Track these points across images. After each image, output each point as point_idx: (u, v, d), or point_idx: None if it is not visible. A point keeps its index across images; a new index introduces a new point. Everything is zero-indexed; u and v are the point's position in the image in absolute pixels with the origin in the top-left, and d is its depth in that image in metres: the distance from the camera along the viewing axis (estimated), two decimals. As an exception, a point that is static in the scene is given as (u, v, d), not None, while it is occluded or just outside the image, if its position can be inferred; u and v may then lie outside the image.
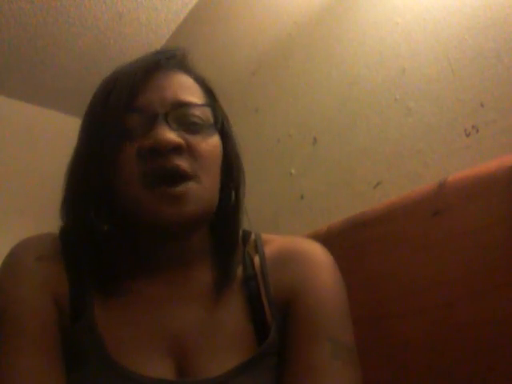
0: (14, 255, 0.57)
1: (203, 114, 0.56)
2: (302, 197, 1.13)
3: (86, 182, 0.55)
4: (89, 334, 0.52)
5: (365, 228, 0.81)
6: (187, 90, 0.57)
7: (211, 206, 0.56)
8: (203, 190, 0.53)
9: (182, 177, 0.52)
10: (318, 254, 0.61)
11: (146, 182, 0.52)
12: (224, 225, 0.60)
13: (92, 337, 0.51)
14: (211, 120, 0.57)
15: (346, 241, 0.83)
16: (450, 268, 0.68)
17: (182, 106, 0.55)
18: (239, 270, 0.60)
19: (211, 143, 0.56)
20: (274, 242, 0.63)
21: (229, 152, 0.60)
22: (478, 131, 0.79)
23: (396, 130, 0.93)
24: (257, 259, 0.61)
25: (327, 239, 0.85)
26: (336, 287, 0.58)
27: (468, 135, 0.80)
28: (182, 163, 0.52)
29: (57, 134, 1.88)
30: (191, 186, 0.52)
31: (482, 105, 0.79)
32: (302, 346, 0.53)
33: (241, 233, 0.64)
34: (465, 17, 0.84)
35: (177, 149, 0.52)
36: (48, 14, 1.49)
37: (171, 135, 0.52)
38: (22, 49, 1.61)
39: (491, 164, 0.68)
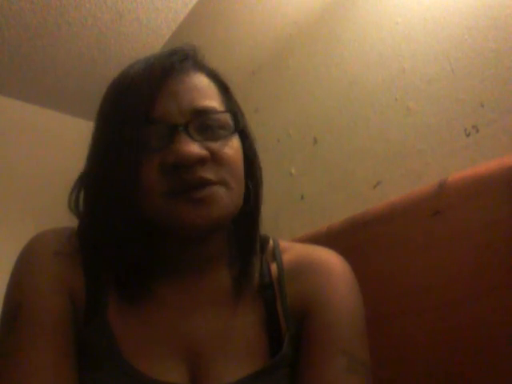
0: (30, 248, 0.56)
1: (223, 117, 0.55)
2: (302, 197, 1.13)
3: (105, 190, 0.53)
4: (102, 333, 0.51)
5: (365, 228, 0.81)
6: (204, 93, 0.55)
7: (237, 208, 0.55)
8: (230, 193, 0.52)
9: (207, 184, 0.51)
10: (337, 265, 0.60)
11: (170, 194, 0.51)
12: (243, 226, 0.59)
13: (105, 337, 0.51)
14: (230, 122, 0.56)
15: (346, 241, 0.83)
16: (450, 268, 0.68)
17: (201, 114, 0.53)
18: (256, 278, 0.59)
19: (233, 146, 0.55)
20: (292, 250, 0.62)
21: (248, 151, 0.59)
22: (478, 131, 0.79)
23: (396, 130, 0.93)
24: (274, 267, 0.60)
25: (327, 239, 0.85)
26: (353, 300, 0.57)
27: (468, 135, 0.80)
28: (207, 174, 0.51)
29: (57, 134, 1.88)
30: (217, 189, 0.51)
31: (482, 105, 0.79)
32: (317, 360, 0.52)
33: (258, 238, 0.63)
34: (465, 17, 0.84)
35: (202, 161, 0.51)
36: (48, 14, 1.49)
37: (194, 148, 0.50)
38: (22, 49, 1.61)
39: (491, 164, 0.68)
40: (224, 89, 0.60)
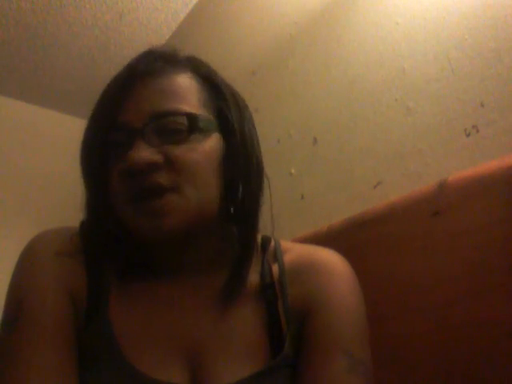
0: (32, 249, 0.56)
1: (188, 119, 0.53)
2: (302, 197, 1.13)
3: (87, 194, 0.56)
4: (103, 333, 0.51)
5: (365, 228, 0.81)
6: (170, 95, 0.54)
7: (200, 215, 0.53)
8: (185, 201, 0.51)
9: (159, 191, 0.51)
10: (338, 265, 0.60)
11: (128, 200, 0.52)
12: (238, 227, 0.58)
13: (106, 337, 0.51)
14: (201, 123, 0.53)
15: (346, 241, 0.83)
16: (450, 268, 0.68)
17: (159, 117, 0.52)
18: (257, 278, 0.59)
19: (197, 150, 0.53)
20: (294, 251, 0.62)
21: (233, 151, 0.56)
22: (478, 131, 0.79)
23: (396, 130, 0.93)
24: (275, 268, 0.60)
25: (327, 239, 0.85)
26: (354, 301, 0.57)
27: (468, 135, 0.80)
28: (160, 178, 0.51)
29: (57, 134, 1.88)
30: (171, 198, 0.51)
31: (482, 105, 0.79)
32: (318, 360, 0.52)
33: (260, 238, 0.62)
34: (465, 17, 0.84)
35: (153, 166, 0.50)
36: (48, 14, 1.49)
37: (145, 153, 0.50)
38: (22, 49, 1.61)
39: (491, 164, 0.68)
40: (211, 85, 0.58)
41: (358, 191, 0.98)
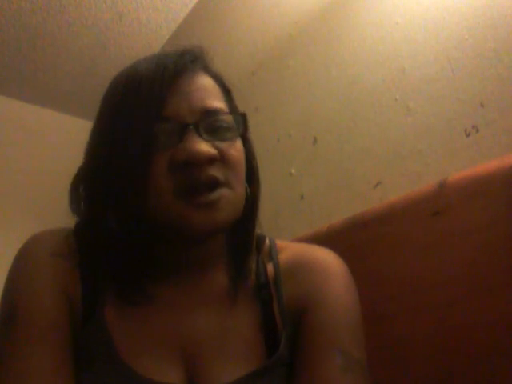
0: (27, 250, 0.56)
1: (230, 119, 0.56)
2: (302, 197, 1.13)
3: (109, 186, 0.53)
4: (99, 334, 0.51)
5: (365, 228, 0.81)
6: (212, 94, 0.56)
7: (240, 210, 0.55)
8: (235, 195, 0.53)
9: (214, 185, 0.51)
10: (333, 264, 0.60)
11: (179, 193, 0.51)
12: (241, 228, 0.59)
13: (102, 337, 0.51)
14: (235, 124, 0.56)
15: (346, 241, 0.83)
16: (450, 268, 0.68)
17: (211, 114, 0.54)
18: (252, 278, 0.59)
19: (238, 148, 0.56)
20: (289, 250, 0.62)
21: (248, 154, 0.59)
22: (478, 131, 0.79)
23: (396, 130, 0.93)
24: (270, 267, 0.60)
25: (327, 239, 0.85)
26: (349, 299, 0.57)
27: (468, 135, 0.80)
28: (216, 173, 0.52)
29: (56, 134, 1.88)
30: (224, 192, 0.52)
31: (481, 105, 0.79)
32: (313, 358, 0.52)
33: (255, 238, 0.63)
34: (465, 17, 0.84)
35: (212, 160, 0.51)
36: (48, 14, 1.49)
37: (205, 147, 0.51)
38: (22, 49, 1.61)
39: (491, 164, 0.68)
40: (227, 92, 0.61)
41: (358, 191, 0.98)
